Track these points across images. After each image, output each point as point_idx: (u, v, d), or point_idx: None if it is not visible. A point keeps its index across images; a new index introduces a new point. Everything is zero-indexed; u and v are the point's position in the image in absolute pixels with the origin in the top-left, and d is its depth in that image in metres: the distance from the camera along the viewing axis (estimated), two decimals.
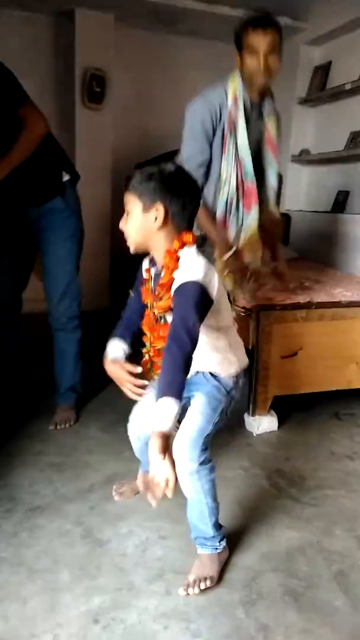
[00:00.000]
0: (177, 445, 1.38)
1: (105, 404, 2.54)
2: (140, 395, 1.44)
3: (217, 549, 1.48)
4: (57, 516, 1.70)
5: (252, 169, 2.14)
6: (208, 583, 1.42)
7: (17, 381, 2.48)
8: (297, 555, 1.58)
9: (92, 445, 2.16)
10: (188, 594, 1.41)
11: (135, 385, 1.43)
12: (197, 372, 1.47)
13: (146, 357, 1.48)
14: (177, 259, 1.34)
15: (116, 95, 3.99)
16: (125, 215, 1.38)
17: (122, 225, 1.39)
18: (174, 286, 1.32)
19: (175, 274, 1.33)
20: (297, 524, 1.72)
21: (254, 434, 2.31)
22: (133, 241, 1.38)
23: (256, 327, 2.22)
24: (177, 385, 1.21)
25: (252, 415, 2.33)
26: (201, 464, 1.40)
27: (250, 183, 2.15)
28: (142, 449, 1.62)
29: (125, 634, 1.28)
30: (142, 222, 1.34)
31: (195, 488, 1.42)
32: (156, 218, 1.32)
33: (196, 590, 1.41)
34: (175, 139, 4.10)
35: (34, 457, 2.04)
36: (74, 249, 2.27)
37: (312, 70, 4.12)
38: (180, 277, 1.31)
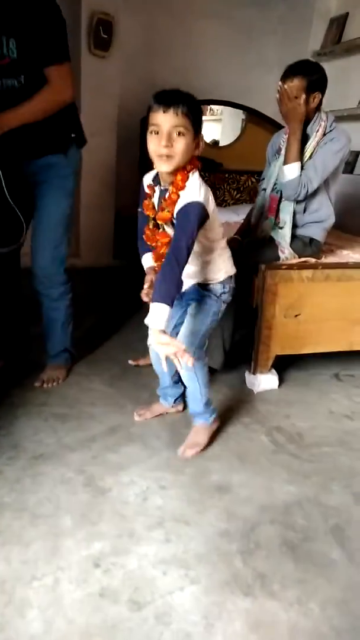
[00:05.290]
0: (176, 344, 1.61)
1: (107, 358, 2.55)
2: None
3: (207, 420, 1.88)
4: (60, 464, 1.73)
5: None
6: (197, 449, 1.83)
7: (22, 334, 2.48)
8: (294, 508, 1.61)
9: (95, 397, 2.18)
10: (183, 456, 1.80)
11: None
12: (191, 284, 1.76)
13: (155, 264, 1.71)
14: (187, 179, 1.51)
15: (123, 43, 3.84)
16: (167, 137, 1.43)
17: (167, 144, 1.44)
18: (179, 203, 1.51)
19: (181, 193, 1.51)
20: (295, 479, 1.75)
21: (255, 392, 2.32)
22: (178, 162, 1.48)
23: (261, 286, 2.20)
24: (172, 294, 1.44)
25: (253, 374, 2.34)
26: (197, 360, 1.72)
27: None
28: (156, 359, 1.93)
29: (125, 578, 1.31)
30: (189, 147, 1.48)
31: (191, 377, 1.79)
32: (197, 146, 1.51)
33: (189, 454, 1.81)
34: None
35: (38, 408, 2.06)
36: (67, 211, 2.13)
37: (328, 22, 3.95)
38: (185, 196, 1.50)
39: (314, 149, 2.28)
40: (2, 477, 1.64)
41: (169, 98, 1.42)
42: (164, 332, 1.43)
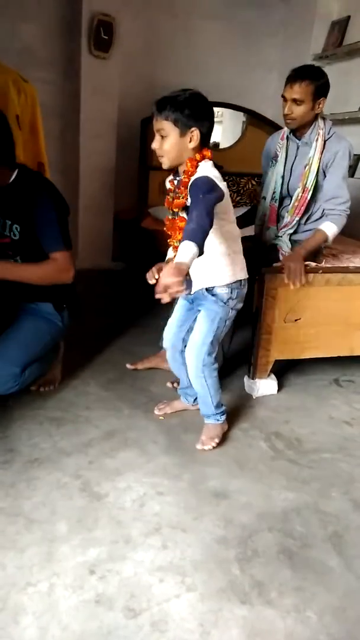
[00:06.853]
0: (187, 353, 1.84)
1: (104, 361, 2.53)
2: (151, 277, 1.70)
3: (218, 420, 1.94)
4: (55, 469, 1.71)
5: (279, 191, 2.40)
6: (216, 441, 1.90)
7: None
8: (293, 515, 1.60)
9: (91, 401, 2.16)
10: (204, 449, 1.87)
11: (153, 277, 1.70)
12: (198, 289, 1.79)
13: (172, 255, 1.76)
14: (197, 166, 1.61)
15: (124, 44, 3.83)
16: (158, 137, 1.61)
17: (156, 146, 1.63)
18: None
19: (192, 178, 1.59)
20: (293, 485, 1.74)
21: (254, 397, 2.31)
22: (169, 160, 1.64)
23: (261, 290, 2.18)
24: (199, 234, 1.42)
25: (252, 379, 2.32)
26: (205, 365, 1.81)
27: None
28: (173, 357, 1.99)
29: (120, 585, 1.30)
30: (179, 145, 1.60)
31: (201, 383, 1.84)
32: (191, 140, 1.59)
33: (209, 447, 1.87)
34: None
35: (34, 412, 2.04)
36: (45, 337, 2.02)
37: (329, 25, 3.94)
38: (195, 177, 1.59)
39: (319, 160, 2.26)
40: None
41: (157, 104, 1.59)
42: (185, 267, 1.38)
